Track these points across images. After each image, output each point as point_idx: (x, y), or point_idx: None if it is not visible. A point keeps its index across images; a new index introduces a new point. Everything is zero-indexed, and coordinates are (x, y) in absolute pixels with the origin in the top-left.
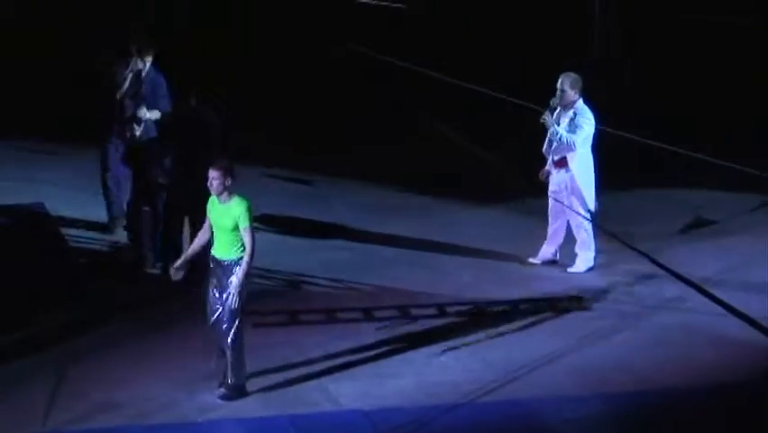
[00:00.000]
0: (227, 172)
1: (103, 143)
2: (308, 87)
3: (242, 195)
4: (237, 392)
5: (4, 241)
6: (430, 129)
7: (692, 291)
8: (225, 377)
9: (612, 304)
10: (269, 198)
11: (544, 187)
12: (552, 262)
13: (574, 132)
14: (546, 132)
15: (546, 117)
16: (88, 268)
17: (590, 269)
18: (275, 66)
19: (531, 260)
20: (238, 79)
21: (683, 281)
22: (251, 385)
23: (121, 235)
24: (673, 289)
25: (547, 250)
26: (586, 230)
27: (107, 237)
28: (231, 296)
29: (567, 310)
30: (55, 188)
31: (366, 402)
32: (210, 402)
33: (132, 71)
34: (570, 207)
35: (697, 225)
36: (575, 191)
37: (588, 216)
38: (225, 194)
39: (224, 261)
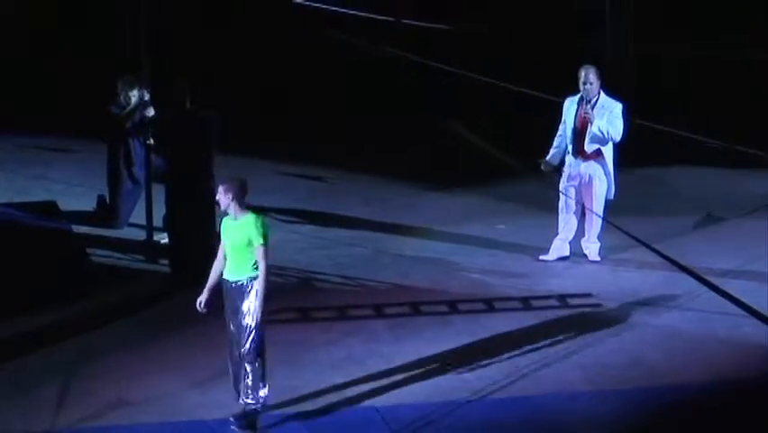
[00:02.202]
0: (230, 187)
1: (123, 141)
2: (323, 83)
3: (256, 210)
4: (250, 422)
5: (15, 238)
6: (444, 126)
7: (703, 287)
8: (241, 399)
9: (623, 300)
10: (282, 194)
11: (555, 181)
12: (564, 258)
13: (613, 124)
14: (561, 129)
15: (590, 112)
16: (99, 265)
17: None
18: (289, 61)
19: (542, 257)
20: (249, 76)
21: (694, 277)
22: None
23: (129, 232)
24: (684, 284)
25: (560, 245)
26: (601, 221)
27: (116, 234)
28: (250, 318)
29: (578, 306)
30: (66, 186)
31: (378, 399)
32: (221, 400)
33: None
34: (592, 197)
35: (708, 221)
36: (602, 181)
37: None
38: (236, 209)
39: (237, 281)
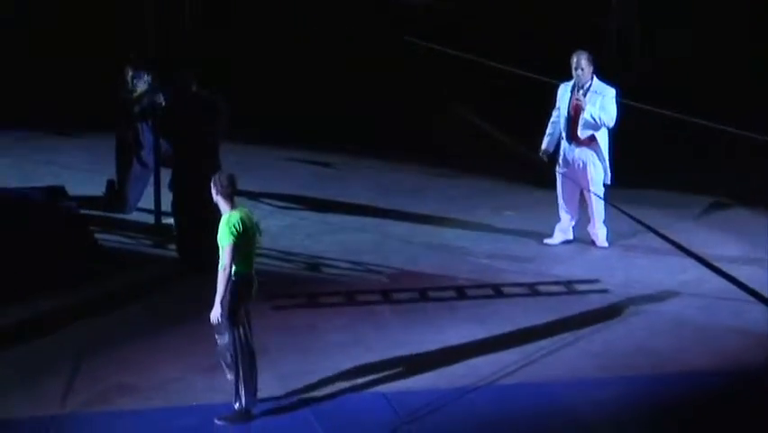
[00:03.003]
0: (215, 182)
1: (132, 125)
2: (329, 68)
3: (238, 210)
4: (241, 419)
5: (24, 222)
6: (450, 112)
7: (712, 274)
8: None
9: (632, 286)
10: (288, 180)
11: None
12: (568, 242)
13: (606, 109)
14: (555, 116)
15: (582, 98)
16: (108, 249)
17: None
18: (296, 47)
19: (547, 241)
20: (257, 61)
21: (702, 263)
22: (269, 368)
23: (138, 216)
24: (693, 271)
25: (564, 228)
26: (603, 204)
27: (124, 218)
28: (215, 317)
29: (586, 292)
30: (74, 171)
31: (385, 385)
32: (226, 385)
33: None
34: (589, 183)
35: (716, 208)
36: (597, 166)
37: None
38: (222, 204)
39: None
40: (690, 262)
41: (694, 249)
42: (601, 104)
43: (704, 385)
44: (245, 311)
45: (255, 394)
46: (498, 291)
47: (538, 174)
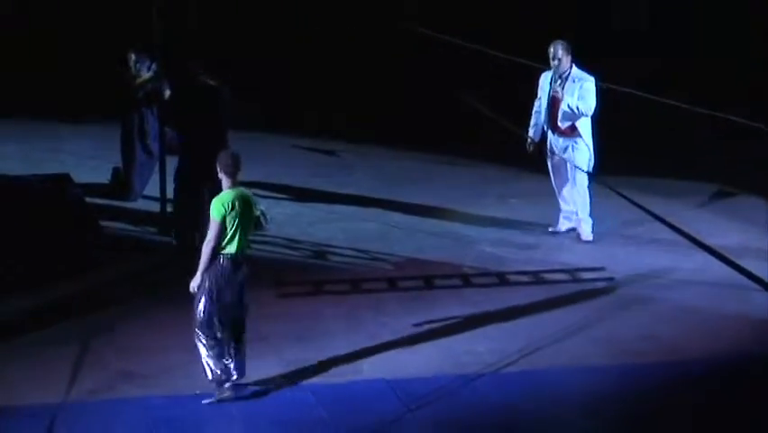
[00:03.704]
0: (218, 160)
1: (137, 113)
2: (336, 56)
3: (235, 190)
4: (219, 391)
5: (29, 209)
6: (455, 99)
7: (716, 261)
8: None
9: (636, 274)
10: (293, 168)
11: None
12: (574, 229)
13: (585, 99)
14: (537, 105)
15: (558, 90)
16: (113, 237)
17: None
18: (304, 35)
19: (552, 229)
20: (265, 48)
21: (707, 251)
22: (273, 355)
23: (143, 204)
24: (698, 259)
25: (567, 216)
26: (588, 195)
27: (129, 206)
28: (192, 288)
29: (591, 280)
30: (80, 158)
31: (389, 372)
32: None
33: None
34: (574, 169)
35: (720, 195)
36: (580, 154)
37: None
38: (224, 182)
39: None
40: (696, 249)
41: (699, 237)
42: (579, 93)
43: (709, 372)
44: (233, 292)
45: (238, 369)
46: (502, 279)
47: (543, 162)
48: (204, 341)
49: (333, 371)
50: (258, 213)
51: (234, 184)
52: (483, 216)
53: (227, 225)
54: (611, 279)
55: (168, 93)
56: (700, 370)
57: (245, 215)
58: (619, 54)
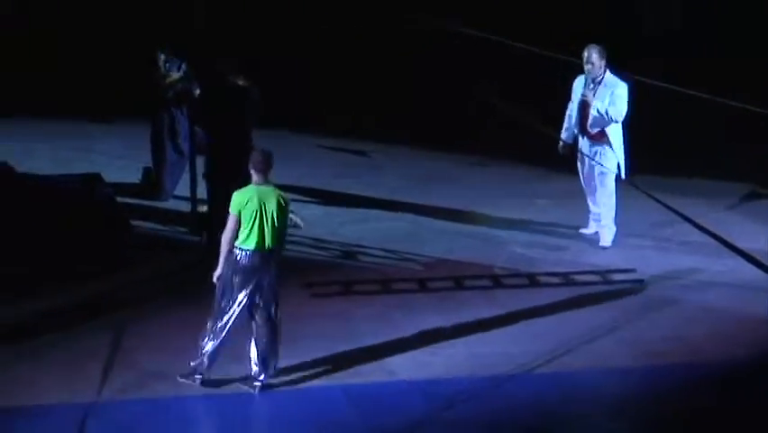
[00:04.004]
0: (250, 157)
1: (167, 112)
2: (365, 55)
3: (258, 186)
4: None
5: (60, 208)
6: (486, 101)
7: (746, 263)
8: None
9: (665, 276)
10: (323, 168)
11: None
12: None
13: (615, 104)
14: (571, 109)
15: (588, 94)
16: (144, 236)
17: (613, 242)
18: (332, 33)
19: (582, 230)
20: (294, 48)
21: (736, 252)
22: (304, 354)
23: (174, 204)
24: (727, 261)
25: (596, 219)
26: (613, 202)
27: (160, 205)
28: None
29: (620, 282)
30: (110, 158)
31: (419, 373)
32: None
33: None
34: (603, 178)
35: (753, 197)
36: (607, 161)
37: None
38: (253, 178)
39: None
40: (725, 251)
41: (728, 239)
42: (610, 99)
43: (734, 374)
44: (249, 289)
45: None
46: (532, 280)
47: (573, 163)
48: (207, 325)
49: (364, 371)
50: (287, 210)
51: (263, 181)
52: (512, 216)
53: (243, 219)
54: (640, 281)
55: (197, 93)
56: (726, 372)
57: (267, 212)
58: (651, 55)
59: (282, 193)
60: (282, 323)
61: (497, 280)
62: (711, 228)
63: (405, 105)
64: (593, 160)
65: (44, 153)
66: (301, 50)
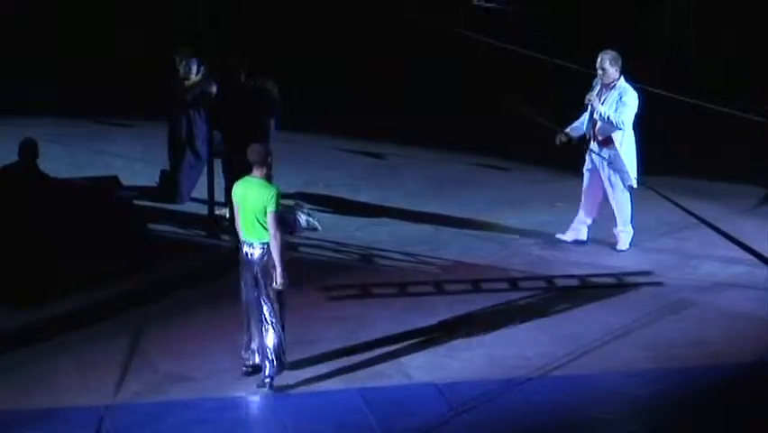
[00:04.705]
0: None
1: (185, 115)
2: (385, 57)
3: (245, 179)
4: (280, 368)
5: (76, 211)
6: (502, 103)
7: (762, 266)
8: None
9: (683, 279)
10: (341, 171)
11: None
12: (581, 243)
13: (620, 111)
14: (586, 112)
15: (592, 98)
16: (161, 239)
17: (631, 245)
18: (348, 36)
19: (559, 236)
20: (310, 50)
21: (755, 255)
22: (322, 357)
23: (191, 207)
24: (745, 263)
25: (576, 227)
26: (628, 206)
27: (177, 208)
28: None
29: (638, 284)
30: (127, 160)
31: (437, 376)
32: (280, 376)
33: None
34: (614, 187)
35: (766, 200)
36: (619, 168)
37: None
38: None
39: None
40: (743, 254)
41: (745, 241)
42: (617, 105)
43: (754, 377)
44: (247, 281)
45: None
46: (550, 283)
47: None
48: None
49: (381, 373)
50: (267, 202)
51: (258, 174)
52: (530, 219)
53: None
54: (658, 283)
55: (214, 92)
56: (744, 374)
57: (246, 206)
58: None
59: (261, 182)
60: (279, 320)
61: (514, 283)
62: (728, 231)
63: (424, 108)
64: (599, 166)
65: (61, 156)
66: (322, 50)
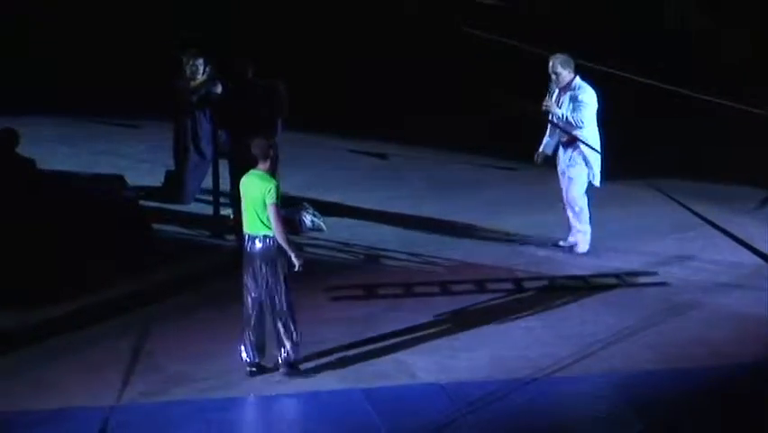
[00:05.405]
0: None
1: (190, 115)
2: (385, 58)
3: (250, 172)
4: (296, 369)
5: (82, 211)
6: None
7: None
8: (280, 355)
9: (688, 278)
10: (345, 171)
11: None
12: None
13: (578, 110)
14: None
15: (548, 103)
16: (166, 239)
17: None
18: (353, 37)
19: (562, 243)
20: (315, 52)
21: (760, 256)
22: (327, 357)
23: (196, 207)
24: (750, 264)
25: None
26: (584, 206)
27: (182, 208)
28: None
29: (644, 285)
30: (133, 161)
31: (442, 376)
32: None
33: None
34: (570, 183)
35: None
36: (577, 166)
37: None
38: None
39: None
40: (747, 255)
41: (750, 242)
42: (574, 105)
43: (762, 378)
44: (251, 273)
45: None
46: (554, 284)
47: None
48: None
49: (385, 373)
50: (264, 194)
51: (263, 169)
52: (534, 219)
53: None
54: (664, 284)
55: (219, 90)
56: (751, 374)
57: (246, 196)
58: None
59: (262, 174)
60: (288, 306)
61: (518, 283)
62: (733, 231)
63: (428, 109)
64: (564, 166)
65: (67, 156)
66: (328, 51)
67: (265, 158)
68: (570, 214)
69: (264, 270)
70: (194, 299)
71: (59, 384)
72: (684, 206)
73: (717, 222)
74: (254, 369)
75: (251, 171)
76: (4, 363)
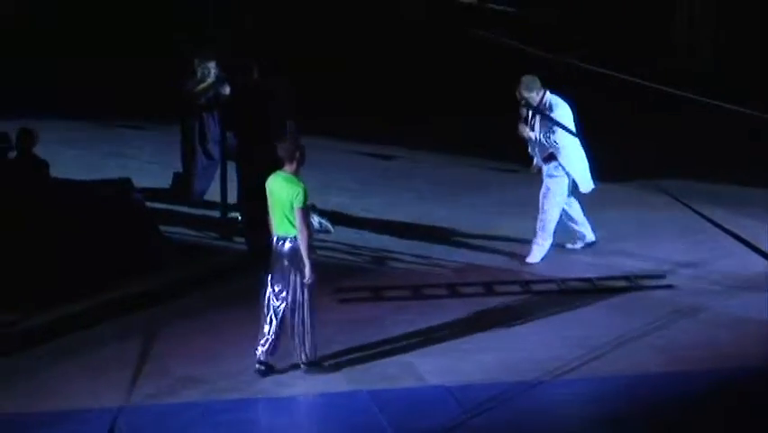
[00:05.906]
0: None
1: (197, 117)
2: (391, 59)
3: (275, 174)
4: (316, 367)
5: (90, 213)
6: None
7: None
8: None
9: (695, 281)
10: (352, 174)
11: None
12: (591, 244)
13: (552, 130)
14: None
15: (522, 129)
16: (173, 241)
17: (543, 258)
18: (360, 38)
19: (569, 246)
20: (323, 54)
21: (765, 257)
22: (334, 359)
23: (204, 209)
24: (758, 267)
25: (581, 236)
26: (553, 222)
27: (190, 210)
28: None
29: (650, 288)
30: (140, 162)
31: (449, 378)
32: (292, 378)
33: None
34: (547, 192)
35: None
36: (556, 180)
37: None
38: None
39: None
40: (755, 258)
41: (757, 245)
42: (549, 124)
43: (767, 381)
44: (278, 276)
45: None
46: (562, 286)
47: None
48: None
49: (395, 376)
50: (292, 198)
51: (287, 169)
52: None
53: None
54: (671, 286)
55: (227, 91)
56: (759, 379)
57: (273, 199)
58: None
59: (288, 176)
60: (309, 308)
61: (526, 286)
62: (740, 234)
63: (435, 111)
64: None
65: (74, 158)
66: (335, 54)
67: (291, 159)
68: (538, 222)
69: (292, 270)
70: (201, 300)
71: (67, 386)
72: (692, 208)
73: (724, 224)
74: (263, 368)
75: (278, 172)
76: (8, 365)
